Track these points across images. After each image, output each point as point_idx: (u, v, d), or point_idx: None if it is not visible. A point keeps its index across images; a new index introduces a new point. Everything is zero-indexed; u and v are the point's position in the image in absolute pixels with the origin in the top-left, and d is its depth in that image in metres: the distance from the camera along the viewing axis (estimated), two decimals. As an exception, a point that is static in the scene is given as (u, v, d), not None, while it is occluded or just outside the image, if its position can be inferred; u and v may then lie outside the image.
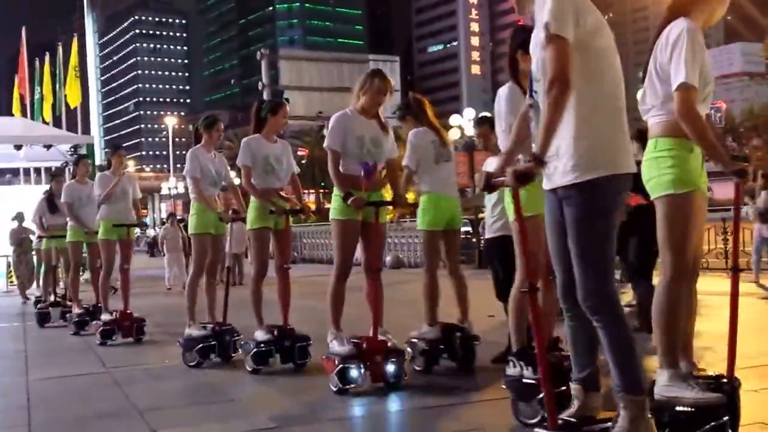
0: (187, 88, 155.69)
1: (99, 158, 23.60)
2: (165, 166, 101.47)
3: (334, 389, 4.56)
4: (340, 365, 4.55)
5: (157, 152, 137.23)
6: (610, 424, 2.86)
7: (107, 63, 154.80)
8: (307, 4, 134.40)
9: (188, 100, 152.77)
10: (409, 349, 5.21)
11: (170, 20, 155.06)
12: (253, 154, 5.69)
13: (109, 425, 4.38)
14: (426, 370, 5.14)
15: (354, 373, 4.54)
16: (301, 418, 4.21)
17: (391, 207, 5.31)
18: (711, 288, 10.28)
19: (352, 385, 4.55)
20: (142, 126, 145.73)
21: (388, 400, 4.50)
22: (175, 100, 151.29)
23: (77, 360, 6.69)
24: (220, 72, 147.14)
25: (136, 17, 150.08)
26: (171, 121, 70.62)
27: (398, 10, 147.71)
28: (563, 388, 3.35)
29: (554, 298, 3.78)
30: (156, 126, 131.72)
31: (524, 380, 3.68)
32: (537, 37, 2.92)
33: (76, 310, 8.56)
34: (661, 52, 3.19)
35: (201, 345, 5.87)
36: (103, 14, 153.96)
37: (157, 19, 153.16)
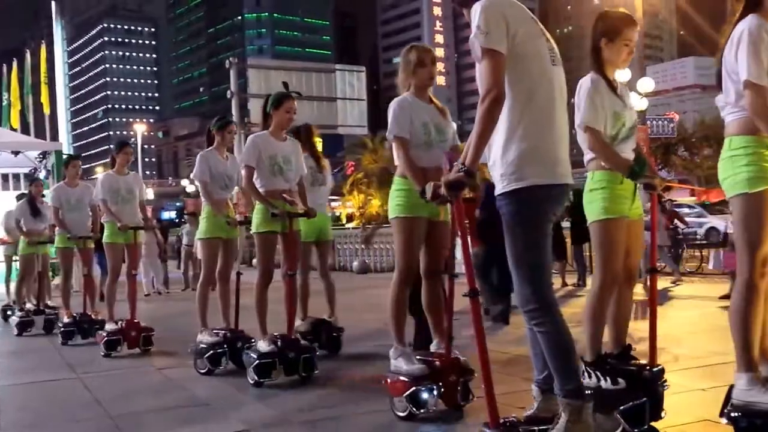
0: (156, 95, 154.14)
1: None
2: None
3: (402, 414, 3.92)
4: (413, 387, 3.86)
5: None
6: (550, 426, 2.86)
7: (76, 70, 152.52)
8: (275, 15, 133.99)
9: (157, 108, 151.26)
10: None
11: (139, 28, 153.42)
12: (259, 152, 5.27)
13: (80, 430, 4.32)
14: None
15: (427, 395, 3.88)
16: (272, 422, 4.19)
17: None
18: (662, 290, 10.52)
19: (423, 411, 3.91)
20: (111, 133, 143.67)
21: (357, 402, 4.48)
22: (144, 107, 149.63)
23: (48, 365, 6.56)
24: (189, 80, 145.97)
25: (106, 25, 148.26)
26: (140, 128, 69.81)
27: (365, 22, 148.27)
28: (644, 399, 3.28)
29: (629, 302, 3.73)
30: (125, 133, 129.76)
31: (604, 392, 3.41)
32: (473, 46, 2.86)
33: (65, 319, 7.87)
34: (729, 52, 3.10)
35: (211, 352, 5.56)
36: (72, 22, 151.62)
37: (126, 27, 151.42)
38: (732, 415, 3.01)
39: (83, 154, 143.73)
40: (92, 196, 7.74)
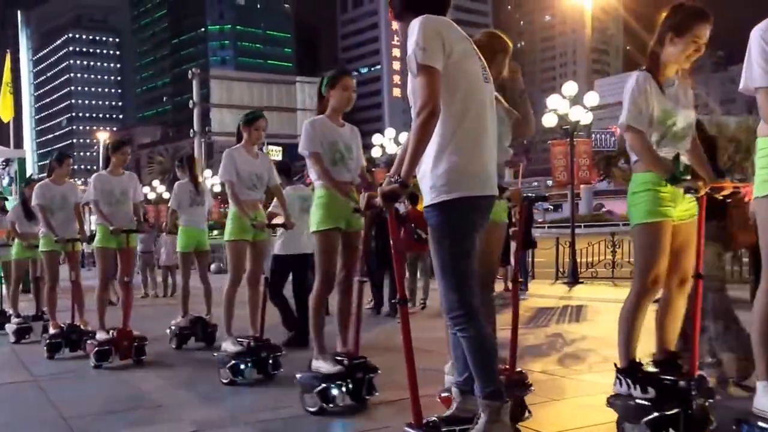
0: (120, 104, 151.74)
1: (32, 171, 22.71)
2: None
3: None
4: None
5: (89, 166, 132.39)
6: (469, 426, 2.90)
7: (41, 79, 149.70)
8: (238, 27, 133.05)
9: (120, 116, 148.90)
10: (168, 332, 7.05)
11: (104, 38, 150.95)
12: (321, 138, 4.43)
13: (32, 431, 4.25)
14: (178, 347, 6.94)
15: None
16: (221, 422, 4.18)
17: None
18: (598, 295, 10.75)
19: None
20: (75, 141, 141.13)
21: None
22: (107, 115, 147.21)
23: (2, 368, 6.42)
24: (152, 89, 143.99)
25: (71, 35, 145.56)
26: (103, 136, 68.75)
27: (325, 35, 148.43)
28: (677, 410, 3.09)
29: (681, 308, 3.44)
30: (88, 141, 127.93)
31: (633, 400, 3.24)
32: (410, 61, 2.88)
33: (50, 330, 7.03)
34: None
35: (233, 362, 5.06)
36: (37, 31, 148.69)
37: (91, 37, 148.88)
38: (738, 420, 2.93)
39: (47, 162, 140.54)
40: (77, 196, 7.30)
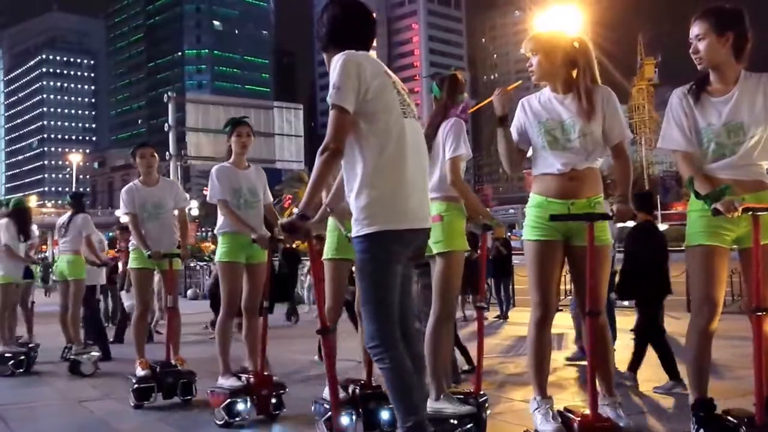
0: (94, 126, 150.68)
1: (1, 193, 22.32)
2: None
3: None
4: None
5: (60, 188, 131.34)
6: None
7: (13, 99, 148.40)
8: (216, 51, 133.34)
9: (94, 138, 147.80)
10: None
11: (79, 60, 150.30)
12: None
13: (-5, 466, 4.03)
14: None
15: None
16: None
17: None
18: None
19: None
20: (46, 162, 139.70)
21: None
22: (80, 137, 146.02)
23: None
24: (127, 112, 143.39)
25: (44, 56, 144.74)
26: (75, 158, 68.06)
27: (302, 61, 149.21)
28: None
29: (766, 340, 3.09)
30: (60, 162, 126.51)
31: None
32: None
33: (139, 371, 5.39)
34: None
35: (329, 414, 3.69)
36: (10, 52, 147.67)
37: (65, 58, 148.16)
38: None
39: (16, 183, 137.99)
40: (178, 199, 5.91)
